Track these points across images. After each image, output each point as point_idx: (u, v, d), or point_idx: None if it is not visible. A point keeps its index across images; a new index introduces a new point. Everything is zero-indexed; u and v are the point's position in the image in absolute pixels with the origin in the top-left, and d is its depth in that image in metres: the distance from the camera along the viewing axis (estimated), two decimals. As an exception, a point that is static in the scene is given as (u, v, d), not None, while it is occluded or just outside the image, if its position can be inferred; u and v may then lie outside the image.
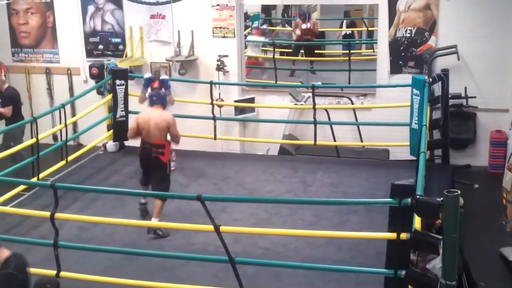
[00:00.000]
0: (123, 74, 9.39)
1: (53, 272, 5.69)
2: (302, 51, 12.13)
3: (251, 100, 10.06)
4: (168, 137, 7.19)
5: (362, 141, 9.59)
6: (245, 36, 10.71)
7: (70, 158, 8.70)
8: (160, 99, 7.28)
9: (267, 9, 12.47)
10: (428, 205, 4.68)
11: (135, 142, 9.59)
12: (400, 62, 9.53)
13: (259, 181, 8.36)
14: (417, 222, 4.99)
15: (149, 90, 7.61)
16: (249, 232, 6.46)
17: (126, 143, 9.71)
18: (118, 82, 9.24)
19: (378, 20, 9.66)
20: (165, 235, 6.82)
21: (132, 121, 9.50)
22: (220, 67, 9.93)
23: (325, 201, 7.38)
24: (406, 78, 9.01)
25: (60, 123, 8.54)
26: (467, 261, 5.67)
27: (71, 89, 10.99)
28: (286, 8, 12.27)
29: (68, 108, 9.45)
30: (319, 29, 11.98)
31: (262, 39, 11.61)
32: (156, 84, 7.54)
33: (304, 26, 11.40)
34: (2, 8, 10.89)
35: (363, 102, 9.79)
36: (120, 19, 10.56)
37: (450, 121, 8.50)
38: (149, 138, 7.08)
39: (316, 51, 12.12)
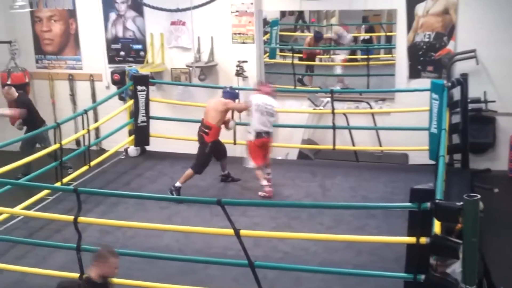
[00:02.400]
0: (144, 80, 9.52)
1: (76, 275, 5.77)
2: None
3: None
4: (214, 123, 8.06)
5: (381, 145, 9.60)
6: (265, 42, 10.77)
7: (92, 163, 8.83)
8: (225, 94, 8.30)
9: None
10: (448, 210, 4.69)
11: (156, 147, 9.77)
12: (419, 67, 9.53)
13: (279, 185, 8.39)
14: (436, 227, 5.00)
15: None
16: (268, 236, 6.50)
17: (147, 148, 9.84)
18: (139, 88, 9.36)
19: (397, 25, 9.67)
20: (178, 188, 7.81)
21: (152, 126, 9.68)
22: (240, 73, 10.01)
23: (344, 206, 7.40)
24: (425, 82, 8.99)
25: (83, 128, 8.67)
26: (488, 266, 5.68)
27: (93, 95, 11.15)
28: (301, 13, 12.28)
29: (90, 113, 9.58)
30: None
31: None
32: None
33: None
34: (26, 15, 11.09)
35: (382, 106, 9.80)
36: (141, 25, 10.69)
37: (469, 125, 8.47)
38: (204, 119, 8.12)
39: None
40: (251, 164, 8.25)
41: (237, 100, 8.48)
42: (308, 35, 11.79)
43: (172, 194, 7.86)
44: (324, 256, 6.40)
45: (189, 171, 8.03)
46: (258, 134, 7.97)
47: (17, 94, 9.65)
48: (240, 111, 8.67)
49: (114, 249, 4.92)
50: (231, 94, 8.35)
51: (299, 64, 11.57)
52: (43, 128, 8.70)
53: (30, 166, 8.70)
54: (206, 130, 8.03)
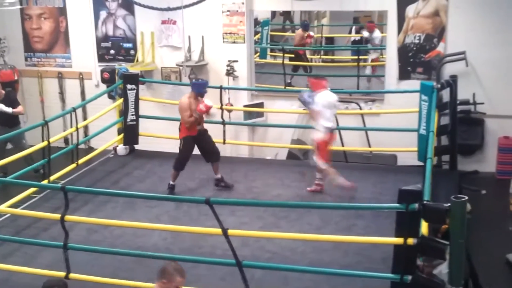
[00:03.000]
0: (134, 79, 9.49)
1: (63, 274, 5.76)
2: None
3: (260, 105, 10.13)
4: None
5: (370, 146, 9.63)
6: (255, 42, 10.78)
7: (81, 161, 8.80)
8: (192, 87, 8.13)
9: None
10: (435, 211, 4.72)
11: (145, 146, 9.75)
12: (409, 68, 9.57)
13: (267, 185, 8.40)
14: (424, 228, 5.03)
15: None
16: (256, 235, 6.50)
17: (136, 147, 9.81)
18: (129, 86, 9.34)
19: (387, 26, 9.70)
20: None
21: (142, 125, 9.66)
22: (230, 72, 10.01)
23: (332, 206, 7.41)
24: (414, 84, 9.04)
25: (72, 126, 8.64)
26: (474, 267, 5.71)
27: (82, 93, 11.12)
28: (288, 14, 12.27)
29: (79, 112, 9.56)
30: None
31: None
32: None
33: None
34: (15, 13, 11.04)
35: (372, 107, 9.83)
36: (132, 24, 10.67)
37: (458, 127, 8.51)
38: None
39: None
40: (320, 163, 7.89)
41: (205, 99, 7.94)
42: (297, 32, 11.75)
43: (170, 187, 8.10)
44: (312, 256, 6.41)
45: (172, 171, 8.16)
46: (330, 130, 7.85)
47: (3, 92, 9.58)
48: (183, 121, 8.01)
49: (180, 266, 4.60)
50: (197, 85, 8.03)
51: (289, 64, 11.58)
52: (31, 126, 8.57)
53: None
54: (179, 127, 8.13)
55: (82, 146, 9.58)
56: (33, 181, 8.10)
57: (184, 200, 7.41)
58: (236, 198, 7.86)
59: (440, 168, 8.59)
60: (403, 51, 9.55)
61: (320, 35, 11.96)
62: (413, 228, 4.92)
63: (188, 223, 6.84)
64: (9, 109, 9.28)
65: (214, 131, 9.57)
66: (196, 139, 8.13)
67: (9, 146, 9.49)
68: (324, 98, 7.82)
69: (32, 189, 7.70)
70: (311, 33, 11.44)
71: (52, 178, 8.12)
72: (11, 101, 9.46)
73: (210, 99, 9.99)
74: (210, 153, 8.26)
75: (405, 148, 8.88)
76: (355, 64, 11.22)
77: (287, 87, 10.69)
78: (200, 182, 8.58)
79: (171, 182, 8.13)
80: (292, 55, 12.37)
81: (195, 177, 8.73)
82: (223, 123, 9.45)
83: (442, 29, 9.32)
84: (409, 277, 4.95)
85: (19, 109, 9.48)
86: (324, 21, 12.06)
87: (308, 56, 12.55)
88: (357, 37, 11.99)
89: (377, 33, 10.71)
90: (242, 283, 5.47)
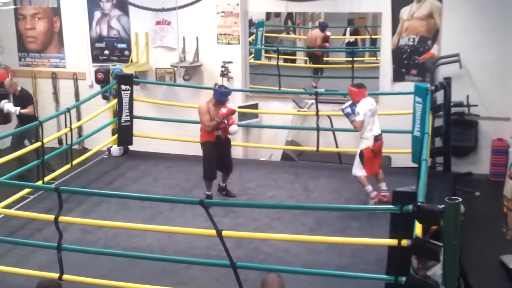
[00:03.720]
0: (128, 79, 9.47)
1: (56, 275, 5.73)
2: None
3: (255, 106, 10.13)
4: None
5: (364, 148, 9.62)
6: (250, 43, 10.79)
7: (75, 162, 8.77)
8: (214, 93, 7.76)
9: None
10: (429, 212, 4.73)
11: (139, 147, 9.74)
12: (403, 70, 9.59)
13: (262, 186, 8.40)
14: (418, 229, 5.04)
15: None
16: (251, 237, 6.50)
17: (130, 147, 9.79)
18: (123, 87, 9.32)
19: (382, 28, 9.72)
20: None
21: (136, 126, 9.64)
22: (225, 73, 10.01)
23: (326, 207, 7.42)
24: (408, 86, 9.06)
25: (66, 127, 8.61)
26: (464, 267, 5.73)
27: (76, 94, 11.09)
28: (290, 15, 12.29)
29: (73, 112, 9.52)
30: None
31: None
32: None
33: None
34: (9, 13, 11.00)
35: (366, 109, 9.82)
36: (126, 25, 10.65)
37: (452, 129, 8.55)
38: None
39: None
40: (362, 172, 7.56)
41: (227, 104, 7.69)
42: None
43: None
44: (306, 258, 6.41)
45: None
46: (376, 138, 7.57)
47: (19, 87, 9.58)
48: (203, 125, 7.71)
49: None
50: (220, 93, 7.69)
51: (284, 65, 11.60)
52: (35, 123, 8.52)
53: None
54: (201, 133, 7.84)
55: (76, 146, 9.55)
56: (28, 181, 8.08)
57: (178, 201, 7.39)
58: (230, 199, 7.85)
59: (434, 170, 8.61)
60: (397, 53, 9.57)
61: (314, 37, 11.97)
62: (407, 229, 4.93)
63: (183, 224, 6.82)
64: (15, 109, 9.28)
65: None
66: (215, 145, 7.80)
67: (26, 142, 9.44)
68: (367, 107, 7.52)
69: (26, 190, 7.67)
70: (328, 33, 11.45)
71: (46, 179, 8.09)
72: (24, 100, 9.44)
73: (204, 100, 10.04)
74: (223, 164, 7.93)
75: (399, 149, 8.90)
76: (350, 65, 11.26)
77: (317, 90, 10.48)
78: (195, 183, 8.56)
79: (207, 193, 7.78)
80: (294, 57, 12.45)
81: (190, 178, 8.72)
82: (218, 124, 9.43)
83: (436, 31, 9.35)
84: (403, 279, 4.96)
85: (28, 109, 9.43)
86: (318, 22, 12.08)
87: (303, 57, 12.59)
88: (352, 38, 12.04)
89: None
90: (236, 284, 5.46)
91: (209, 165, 7.78)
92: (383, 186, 7.69)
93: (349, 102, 7.69)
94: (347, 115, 7.64)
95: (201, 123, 7.75)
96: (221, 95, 7.66)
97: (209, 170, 7.79)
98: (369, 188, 7.53)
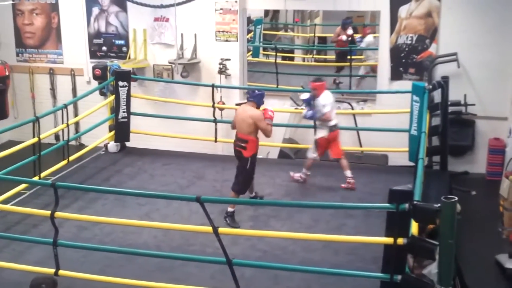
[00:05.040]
0: (126, 76, 9.47)
1: (52, 271, 5.74)
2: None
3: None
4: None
5: (361, 146, 9.65)
6: (248, 41, 10.77)
7: (71, 158, 8.76)
8: (253, 97, 7.42)
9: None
10: (426, 211, 4.73)
11: (136, 143, 9.73)
12: (401, 69, 9.59)
13: (258, 184, 8.37)
14: (414, 228, 5.04)
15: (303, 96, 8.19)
16: (247, 234, 6.51)
17: (127, 144, 9.79)
18: (120, 83, 9.32)
19: (380, 26, 9.72)
20: (236, 226, 7.08)
21: (133, 122, 9.64)
22: (222, 71, 10.00)
23: (323, 205, 7.41)
24: (406, 84, 9.06)
25: (62, 123, 8.60)
26: (460, 266, 5.74)
27: (74, 90, 11.07)
28: (275, 13, 12.25)
29: (70, 108, 9.51)
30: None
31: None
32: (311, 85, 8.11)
33: (349, 31, 11.37)
34: (7, 8, 10.98)
35: (363, 107, 9.85)
36: (124, 21, 10.63)
37: (449, 128, 8.56)
38: (237, 132, 7.40)
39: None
40: (314, 155, 8.19)
41: (262, 106, 7.51)
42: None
43: (227, 221, 7.12)
44: (302, 255, 6.42)
45: (231, 193, 7.33)
46: (331, 128, 8.08)
47: None
48: (266, 133, 7.31)
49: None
50: (259, 96, 7.41)
51: (282, 63, 11.60)
52: (25, 121, 8.50)
53: None
54: (243, 144, 7.25)
55: (73, 142, 9.54)
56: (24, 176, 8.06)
57: (175, 197, 7.39)
58: (227, 196, 7.84)
59: (431, 169, 8.62)
60: (395, 51, 9.57)
61: (312, 34, 11.99)
62: (403, 228, 4.93)
63: (179, 221, 6.84)
64: None
65: (206, 130, 9.61)
66: None
67: None
68: (329, 99, 8.02)
69: (22, 185, 7.66)
70: (349, 32, 11.31)
71: (42, 174, 8.08)
72: None
73: (202, 97, 10.05)
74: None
75: (396, 148, 8.92)
76: (348, 64, 11.26)
77: (282, 85, 10.56)
78: (191, 180, 8.57)
79: (231, 209, 7.22)
80: (293, 55, 12.46)
81: (186, 175, 8.72)
82: (215, 121, 9.44)
83: (434, 30, 9.35)
84: (399, 277, 4.96)
85: None
86: (317, 20, 12.11)
87: (301, 55, 12.59)
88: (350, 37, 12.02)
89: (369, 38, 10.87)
90: (232, 281, 5.46)
91: (250, 179, 7.48)
92: (348, 173, 8.14)
93: (307, 95, 8.07)
94: (253, 97, 7.45)
95: (263, 131, 7.25)
96: (261, 98, 7.42)
97: (246, 186, 7.44)
98: (305, 171, 8.23)
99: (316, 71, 12.00)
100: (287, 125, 9.84)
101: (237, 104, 9.89)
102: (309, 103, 8.01)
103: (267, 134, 7.31)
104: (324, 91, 8.04)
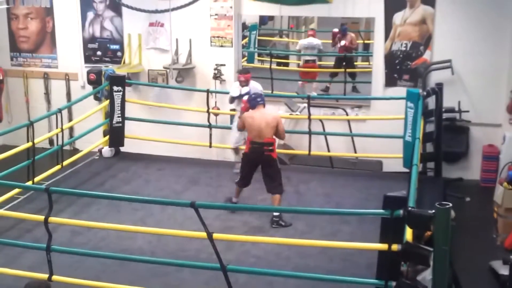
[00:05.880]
0: (121, 81, 9.46)
1: (45, 276, 5.71)
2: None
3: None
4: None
5: (356, 152, 9.66)
6: (243, 46, 10.79)
7: (65, 162, 8.74)
8: (263, 99, 7.56)
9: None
10: (420, 217, 4.74)
11: (131, 148, 9.71)
12: (395, 75, 9.62)
13: (253, 189, 8.34)
14: (408, 234, 5.05)
15: (244, 90, 8.20)
16: (241, 240, 6.50)
17: (122, 149, 9.77)
18: (115, 88, 9.31)
19: (374, 33, 9.74)
20: (288, 224, 7.24)
21: (128, 127, 9.61)
22: (217, 76, 10.01)
23: (318, 211, 7.42)
24: (400, 91, 9.08)
25: (57, 127, 8.58)
26: (456, 273, 5.74)
27: (68, 95, 11.04)
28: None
29: (65, 113, 9.49)
30: (357, 42, 11.81)
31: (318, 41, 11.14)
32: (242, 77, 8.39)
33: (342, 43, 11.22)
34: (2, 12, 10.95)
35: (358, 113, 9.86)
36: (119, 26, 10.63)
37: (443, 135, 8.58)
38: (259, 138, 7.37)
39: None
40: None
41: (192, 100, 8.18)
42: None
43: (281, 225, 7.26)
44: (297, 261, 6.41)
45: (276, 196, 7.42)
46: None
47: None
48: (281, 135, 7.59)
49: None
50: (259, 98, 7.58)
51: (277, 69, 11.61)
52: (18, 125, 8.47)
53: None
54: (271, 148, 7.43)
55: (67, 147, 9.50)
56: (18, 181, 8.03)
57: (169, 203, 7.37)
58: (221, 202, 7.84)
59: (425, 175, 8.64)
60: (390, 58, 9.60)
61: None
62: (398, 234, 4.94)
63: (173, 226, 6.81)
64: None
65: (200, 135, 9.60)
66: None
67: None
68: (258, 86, 8.42)
69: (16, 190, 7.63)
70: (343, 42, 11.20)
71: (36, 179, 8.05)
72: None
73: (197, 102, 10.04)
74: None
75: (391, 154, 8.93)
76: (342, 70, 11.27)
77: (309, 94, 10.38)
78: (186, 185, 8.56)
79: (277, 213, 7.35)
80: (287, 61, 12.45)
81: (181, 180, 8.71)
82: (210, 126, 9.44)
83: (429, 37, 9.38)
84: (393, 283, 4.97)
85: None
86: (312, 26, 12.10)
87: (296, 61, 12.59)
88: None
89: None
90: (226, 287, 5.45)
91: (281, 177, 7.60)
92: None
93: (247, 89, 8.20)
94: (253, 100, 7.60)
95: (280, 134, 7.50)
96: (253, 100, 7.58)
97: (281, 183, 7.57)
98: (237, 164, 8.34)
99: (310, 76, 12.02)
100: (281, 130, 9.83)
101: (231, 110, 9.92)
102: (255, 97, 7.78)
103: (284, 136, 7.67)
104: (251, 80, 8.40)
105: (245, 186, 7.70)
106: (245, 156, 7.60)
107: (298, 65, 12.34)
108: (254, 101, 7.53)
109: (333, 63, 12.17)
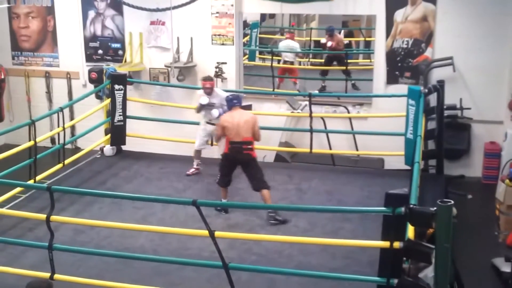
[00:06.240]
0: (122, 79, 9.46)
1: (47, 275, 5.71)
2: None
3: (249, 107, 10.10)
4: None
5: (357, 149, 9.66)
6: (244, 44, 10.78)
7: (67, 161, 8.75)
8: (239, 101, 7.70)
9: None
10: (422, 215, 4.74)
11: (132, 147, 9.71)
12: (397, 73, 9.62)
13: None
14: (410, 231, 5.05)
15: (203, 100, 8.40)
16: (243, 238, 6.51)
17: (123, 147, 9.77)
18: (116, 87, 9.31)
19: (376, 30, 9.74)
20: (284, 220, 7.27)
21: (129, 126, 9.61)
22: (219, 74, 10.01)
23: (319, 209, 7.42)
24: (402, 88, 9.08)
25: (58, 126, 8.59)
26: (458, 270, 5.75)
27: (70, 93, 11.05)
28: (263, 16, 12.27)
29: (66, 111, 9.50)
30: (344, 43, 11.79)
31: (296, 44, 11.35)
32: (208, 84, 8.44)
33: (329, 44, 11.11)
34: (3, 11, 10.96)
35: (359, 111, 9.86)
36: (120, 24, 10.63)
37: (444, 132, 8.57)
38: (239, 137, 7.42)
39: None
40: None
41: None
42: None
43: (277, 220, 7.27)
44: (299, 259, 6.41)
45: (264, 191, 7.39)
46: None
47: None
48: (258, 137, 7.66)
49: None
50: (236, 100, 7.68)
51: (278, 66, 11.60)
52: (19, 125, 8.48)
53: None
54: (250, 146, 7.49)
55: (68, 146, 9.53)
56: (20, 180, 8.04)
57: (171, 201, 7.38)
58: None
59: (427, 172, 8.63)
60: (391, 55, 9.59)
61: (308, 38, 11.98)
62: (400, 231, 4.93)
63: (175, 225, 6.82)
64: None
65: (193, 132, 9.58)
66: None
67: None
68: (222, 93, 8.46)
69: (17, 189, 7.64)
70: (329, 42, 11.09)
71: (38, 178, 8.06)
72: None
73: (197, 101, 10.02)
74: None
75: (392, 152, 8.93)
76: (344, 67, 11.26)
77: (310, 92, 10.34)
78: (187, 184, 8.56)
79: (273, 215, 7.33)
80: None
81: (182, 178, 8.71)
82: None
83: (430, 34, 9.37)
84: (395, 281, 4.96)
85: None
86: (313, 24, 12.08)
87: (298, 59, 12.58)
88: (347, 40, 12.03)
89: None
90: (228, 285, 5.45)
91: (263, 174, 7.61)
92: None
93: (206, 100, 8.37)
94: (231, 101, 7.70)
95: (256, 135, 7.57)
96: (229, 102, 7.70)
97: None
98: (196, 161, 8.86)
99: (312, 74, 12.02)
100: (283, 128, 9.85)
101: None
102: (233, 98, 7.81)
103: (260, 137, 7.67)
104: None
105: (227, 185, 7.70)
106: (224, 156, 7.65)
107: (300, 63, 12.35)
108: (231, 103, 7.63)
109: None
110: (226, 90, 9.91)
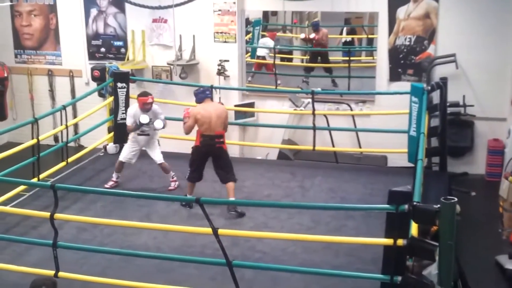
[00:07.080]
0: (125, 77, 9.46)
1: (52, 272, 5.72)
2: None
3: (251, 105, 10.13)
4: None
5: (360, 147, 9.66)
6: (246, 42, 10.78)
7: (70, 159, 8.75)
8: (210, 93, 7.69)
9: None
10: (425, 212, 4.73)
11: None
12: (399, 70, 9.60)
13: (258, 185, 8.40)
14: (414, 229, 5.05)
15: (144, 119, 8.10)
16: (247, 235, 6.51)
17: (126, 145, 9.77)
18: (119, 85, 9.31)
19: (378, 27, 9.73)
20: (243, 213, 7.33)
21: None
22: (221, 72, 10.01)
23: (323, 206, 7.42)
24: (405, 85, 9.06)
25: (61, 124, 8.59)
26: (462, 268, 5.74)
27: (72, 91, 11.06)
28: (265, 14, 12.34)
29: (69, 110, 9.51)
30: (328, 39, 11.93)
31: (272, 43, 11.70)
32: (151, 99, 8.16)
33: (312, 35, 11.51)
34: (5, 9, 10.96)
35: (362, 108, 9.86)
36: (123, 22, 10.63)
37: (448, 129, 8.56)
38: (210, 131, 7.38)
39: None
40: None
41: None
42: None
43: (237, 212, 7.35)
44: (302, 256, 6.42)
45: (230, 184, 7.48)
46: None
47: None
48: (226, 127, 7.69)
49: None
50: (208, 91, 7.70)
51: (280, 64, 11.60)
52: (22, 123, 8.50)
53: None
54: (222, 140, 7.48)
55: (72, 144, 9.53)
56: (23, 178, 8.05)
57: (174, 199, 7.39)
58: (226, 197, 7.84)
59: (430, 170, 8.63)
60: (394, 52, 9.58)
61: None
62: (403, 229, 4.93)
63: (178, 222, 6.83)
64: None
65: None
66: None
67: None
68: (158, 109, 8.35)
69: (21, 187, 7.65)
70: (313, 35, 11.55)
71: (41, 176, 8.07)
72: None
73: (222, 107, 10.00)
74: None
75: (395, 149, 8.92)
76: (346, 65, 11.26)
77: (313, 90, 10.39)
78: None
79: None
80: (291, 56, 12.53)
81: (185, 176, 8.70)
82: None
83: (433, 31, 9.36)
84: (399, 278, 4.96)
85: None
86: (315, 21, 12.07)
87: (300, 56, 12.59)
88: (348, 38, 12.03)
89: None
90: (232, 283, 5.46)
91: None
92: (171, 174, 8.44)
93: (146, 118, 8.10)
94: (199, 94, 7.68)
95: (226, 127, 7.62)
96: (200, 93, 7.67)
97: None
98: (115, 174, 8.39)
99: (314, 72, 12.02)
100: (286, 126, 9.85)
101: (236, 106, 9.91)
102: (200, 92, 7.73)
103: (226, 128, 7.63)
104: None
105: (198, 181, 7.66)
106: (196, 149, 7.58)
107: (302, 61, 12.37)
108: (203, 94, 7.58)
109: (336, 58, 12.19)
110: (229, 88, 10.01)
